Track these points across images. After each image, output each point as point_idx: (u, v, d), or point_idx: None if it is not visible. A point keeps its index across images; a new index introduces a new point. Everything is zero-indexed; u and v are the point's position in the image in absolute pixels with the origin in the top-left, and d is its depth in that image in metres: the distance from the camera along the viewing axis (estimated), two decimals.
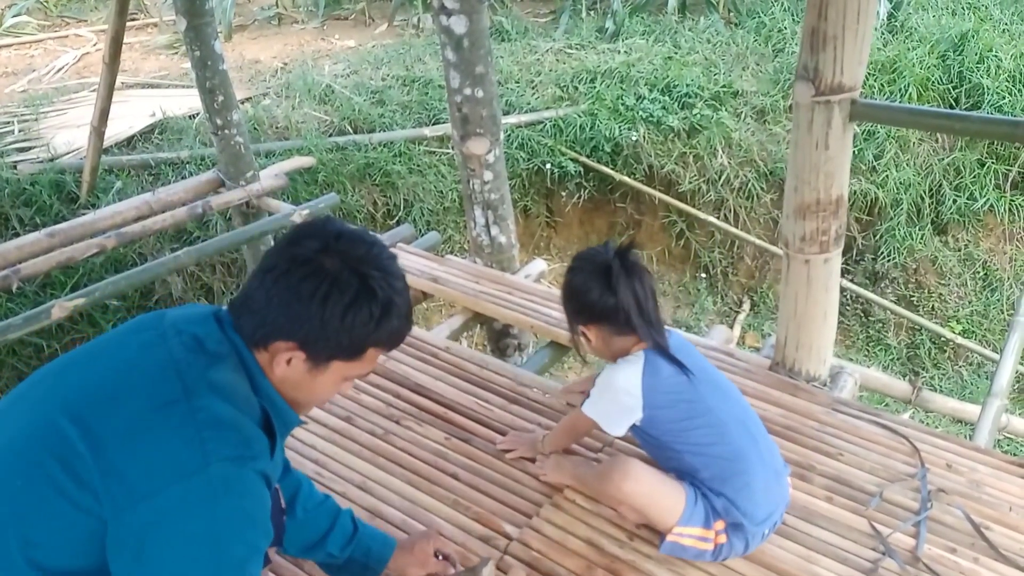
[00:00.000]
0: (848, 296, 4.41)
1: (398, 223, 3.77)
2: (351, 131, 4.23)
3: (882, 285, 4.62)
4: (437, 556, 1.41)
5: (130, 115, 4.10)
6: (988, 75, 4.59)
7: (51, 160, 3.70)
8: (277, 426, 1.02)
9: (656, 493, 1.45)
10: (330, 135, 4.14)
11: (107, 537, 0.88)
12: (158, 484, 0.86)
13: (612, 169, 4.48)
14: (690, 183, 4.50)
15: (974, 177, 4.58)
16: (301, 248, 0.98)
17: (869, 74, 4.54)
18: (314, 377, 1.01)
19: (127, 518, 0.86)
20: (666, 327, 1.51)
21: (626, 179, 4.47)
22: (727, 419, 1.46)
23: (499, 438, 1.84)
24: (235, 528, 0.90)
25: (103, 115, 3.35)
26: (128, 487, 0.87)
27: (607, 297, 1.42)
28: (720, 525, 1.44)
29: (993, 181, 4.58)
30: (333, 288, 0.95)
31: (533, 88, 4.76)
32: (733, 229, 4.48)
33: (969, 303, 4.55)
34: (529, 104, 4.60)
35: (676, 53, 5.06)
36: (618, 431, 1.51)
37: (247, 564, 0.91)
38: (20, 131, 4.04)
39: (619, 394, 1.45)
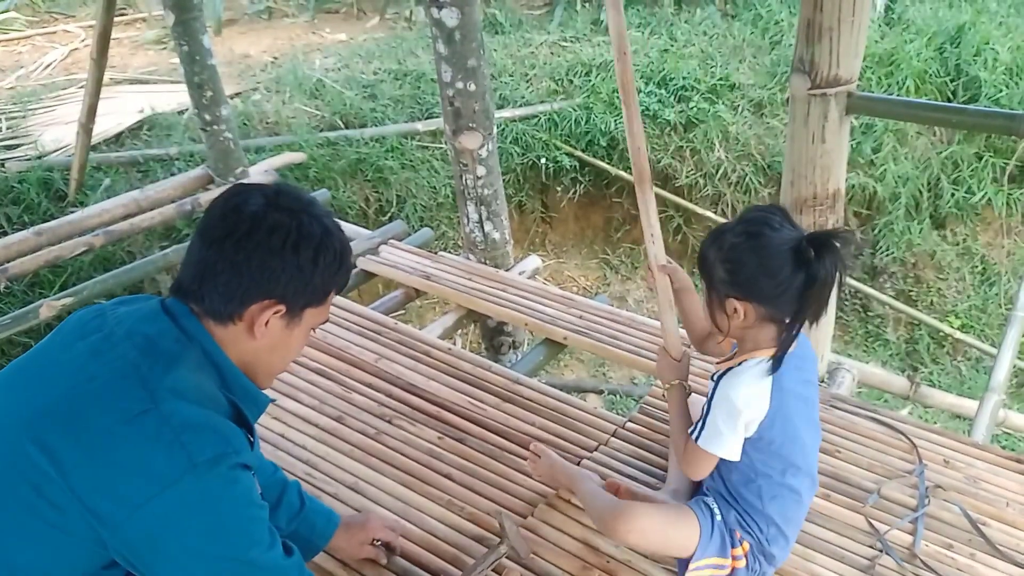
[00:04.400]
0: (846, 291, 4.39)
1: (390, 219, 3.74)
2: (342, 126, 4.19)
3: (881, 280, 4.60)
4: (376, 543, 1.43)
5: (118, 111, 4.06)
6: (985, 68, 4.56)
7: (39, 158, 3.67)
8: (250, 415, 1.01)
9: (667, 539, 1.34)
10: (321, 130, 4.11)
11: (112, 553, 0.88)
12: (150, 492, 0.86)
13: (608, 163, 4.45)
14: (687, 177, 4.48)
15: (972, 171, 4.56)
16: (249, 207, 0.97)
17: (867, 67, 4.51)
18: (291, 332, 1.02)
19: (125, 531, 0.86)
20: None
21: (622, 173, 4.44)
22: (810, 448, 1.33)
23: (493, 437, 1.82)
24: (237, 513, 0.92)
25: (91, 112, 3.31)
26: (118, 502, 0.86)
27: (795, 278, 1.19)
28: (739, 551, 1.36)
29: (991, 175, 4.56)
30: (300, 235, 0.97)
31: (527, 81, 4.72)
32: None
33: (967, 297, 4.54)
34: (523, 98, 4.57)
35: (672, 46, 5.03)
36: (736, 454, 1.29)
37: (265, 538, 0.94)
38: (8, 128, 4.00)
39: (747, 411, 1.25)
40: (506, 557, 1.42)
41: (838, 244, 1.19)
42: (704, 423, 1.30)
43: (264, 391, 1.07)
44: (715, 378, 1.32)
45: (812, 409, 1.35)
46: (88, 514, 0.86)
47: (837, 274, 1.19)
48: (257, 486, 1.19)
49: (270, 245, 0.95)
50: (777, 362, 1.23)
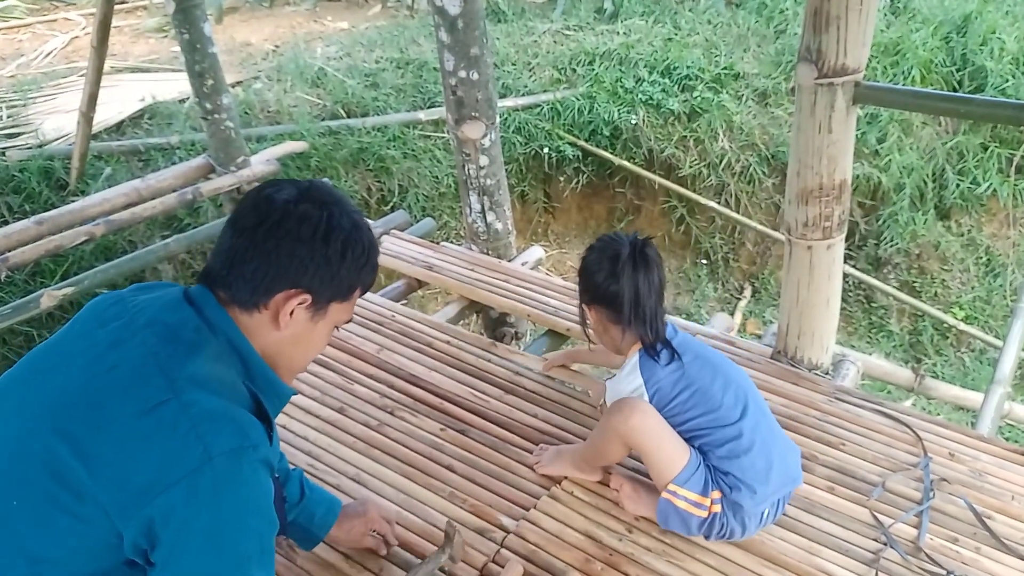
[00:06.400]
0: (850, 282, 4.37)
1: (392, 209, 3.72)
2: (344, 115, 4.16)
3: (885, 271, 4.57)
4: (374, 533, 1.44)
5: (119, 100, 4.04)
6: (991, 57, 4.52)
7: (40, 146, 3.64)
8: (270, 407, 1.00)
9: (664, 438, 1.44)
10: (322, 119, 4.08)
11: (126, 545, 0.87)
12: (163, 483, 0.85)
13: (611, 153, 4.43)
14: (690, 167, 4.45)
15: (977, 161, 4.52)
16: (282, 196, 0.98)
17: (872, 56, 4.46)
18: (314, 325, 1.02)
19: (138, 522, 0.85)
20: (665, 318, 1.51)
21: (625, 163, 4.42)
22: (727, 399, 1.45)
23: (496, 429, 1.81)
24: (242, 520, 0.89)
25: (91, 100, 3.29)
26: (134, 492, 0.85)
27: (610, 282, 1.45)
28: (717, 495, 1.44)
29: (996, 165, 4.52)
30: (330, 227, 0.97)
31: (530, 70, 4.69)
32: (734, 214, 4.43)
33: (972, 289, 4.51)
34: (526, 87, 4.53)
35: (676, 34, 4.98)
36: None
37: (256, 555, 0.90)
38: (9, 117, 3.97)
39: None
40: (443, 565, 1.41)
41: (648, 254, 1.44)
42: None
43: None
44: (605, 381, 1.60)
45: (716, 365, 1.50)
46: (106, 505, 0.85)
47: (636, 282, 1.42)
48: (281, 488, 1.20)
49: (299, 234, 0.95)
50: (648, 351, 1.45)
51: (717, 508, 1.43)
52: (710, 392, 1.45)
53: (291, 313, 0.98)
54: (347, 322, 1.08)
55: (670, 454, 1.43)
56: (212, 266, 0.99)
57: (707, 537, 1.48)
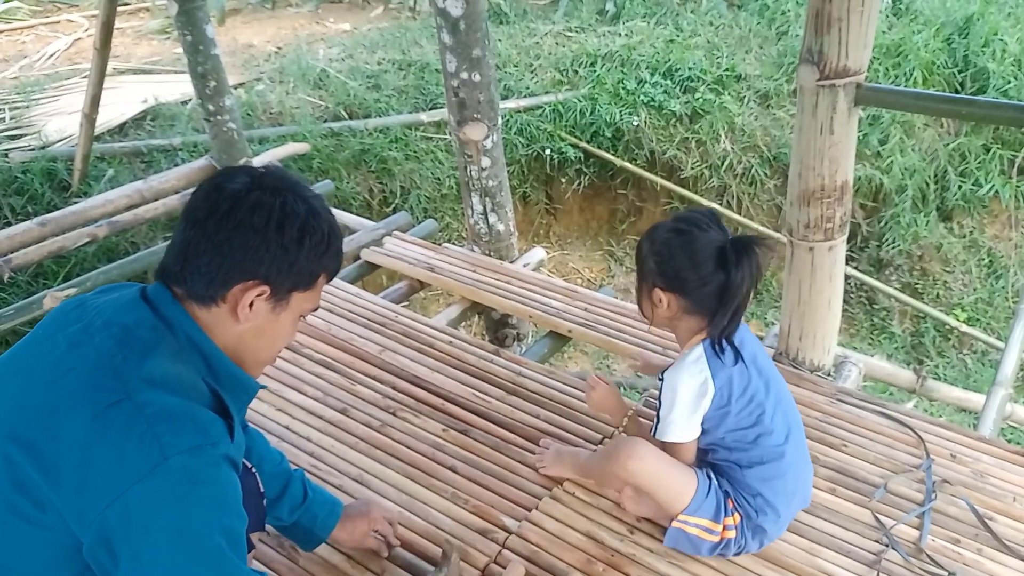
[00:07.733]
0: (852, 284, 4.37)
1: (394, 211, 3.73)
2: (346, 116, 4.18)
3: (887, 272, 4.57)
4: (376, 534, 1.43)
5: (122, 101, 4.05)
6: (994, 59, 4.52)
7: (42, 148, 3.66)
8: (233, 402, 0.98)
9: (665, 476, 1.39)
10: (325, 121, 4.09)
11: (84, 552, 0.85)
12: (120, 487, 0.82)
13: (613, 155, 4.43)
14: (692, 169, 4.45)
15: (979, 163, 4.52)
16: (233, 186, 0.94)
17: (874, 58, 4.47)
18: (276, 316, 0.99)
19: (96, 528, 0.83)
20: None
21: (627, 165, 4.42)
22: (778, 417, 1.40)
23: (497, 430, 1.81)
24: (207, 517, 0.87)
25: (94, 102, 3.30)
26: (90, 498, 0.83)
27: (713, 275, 1.31)
28: (731, 521, 1.40)
29: (998, 167, 4.52)
30: (284, 214, 0.94)
31: (532, 72, 4.69)
32: (736, 216, 4.44)
33: (974, 290, 4.51)
34: (528, 88, 4.54)
35: (678, 36, 4.99)
36: (694, 435, 1.41)
37: (225, 550, 0.88)
38: (11, 119, 3.98)
39: (691, 397, 1.36)
40: None
41: (758, 251, 1.30)
42: (657, 418, 1.42)
43: (255, 378, 1.03)
44: (661, 375, 1.43)
45: (770, 378, 1.42)
46: (64, 512, 0.83)
47: (752, 277, 1.31)
48: (259, 484, 1.17)
49: (252, 223, 0.92)
50: (713, 345, 1.35)
51: (731, 534, 1.40)
52: (764, 406, 1.38)
53: (250, 305, 0.95)
54: (314, 310, 1.04)
55: (676, 489, 1.39)
56: (166, 262, 0.96)
57: (714, 553, 1.45)
